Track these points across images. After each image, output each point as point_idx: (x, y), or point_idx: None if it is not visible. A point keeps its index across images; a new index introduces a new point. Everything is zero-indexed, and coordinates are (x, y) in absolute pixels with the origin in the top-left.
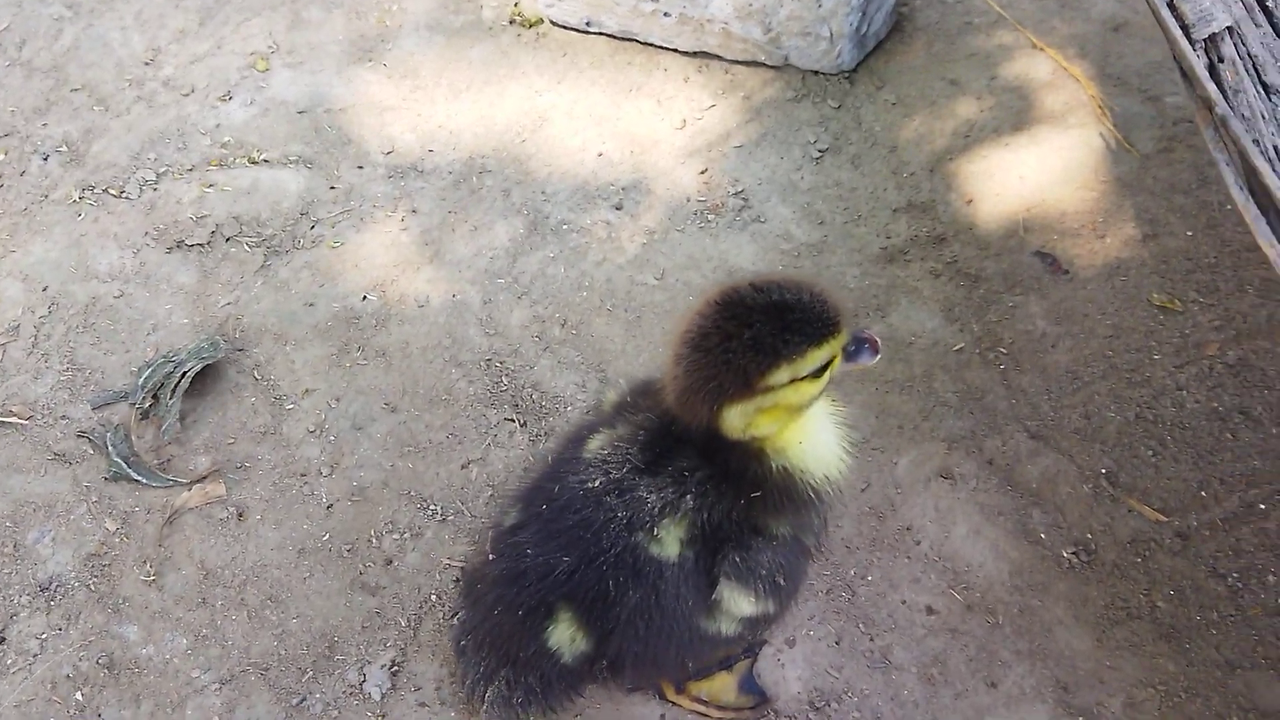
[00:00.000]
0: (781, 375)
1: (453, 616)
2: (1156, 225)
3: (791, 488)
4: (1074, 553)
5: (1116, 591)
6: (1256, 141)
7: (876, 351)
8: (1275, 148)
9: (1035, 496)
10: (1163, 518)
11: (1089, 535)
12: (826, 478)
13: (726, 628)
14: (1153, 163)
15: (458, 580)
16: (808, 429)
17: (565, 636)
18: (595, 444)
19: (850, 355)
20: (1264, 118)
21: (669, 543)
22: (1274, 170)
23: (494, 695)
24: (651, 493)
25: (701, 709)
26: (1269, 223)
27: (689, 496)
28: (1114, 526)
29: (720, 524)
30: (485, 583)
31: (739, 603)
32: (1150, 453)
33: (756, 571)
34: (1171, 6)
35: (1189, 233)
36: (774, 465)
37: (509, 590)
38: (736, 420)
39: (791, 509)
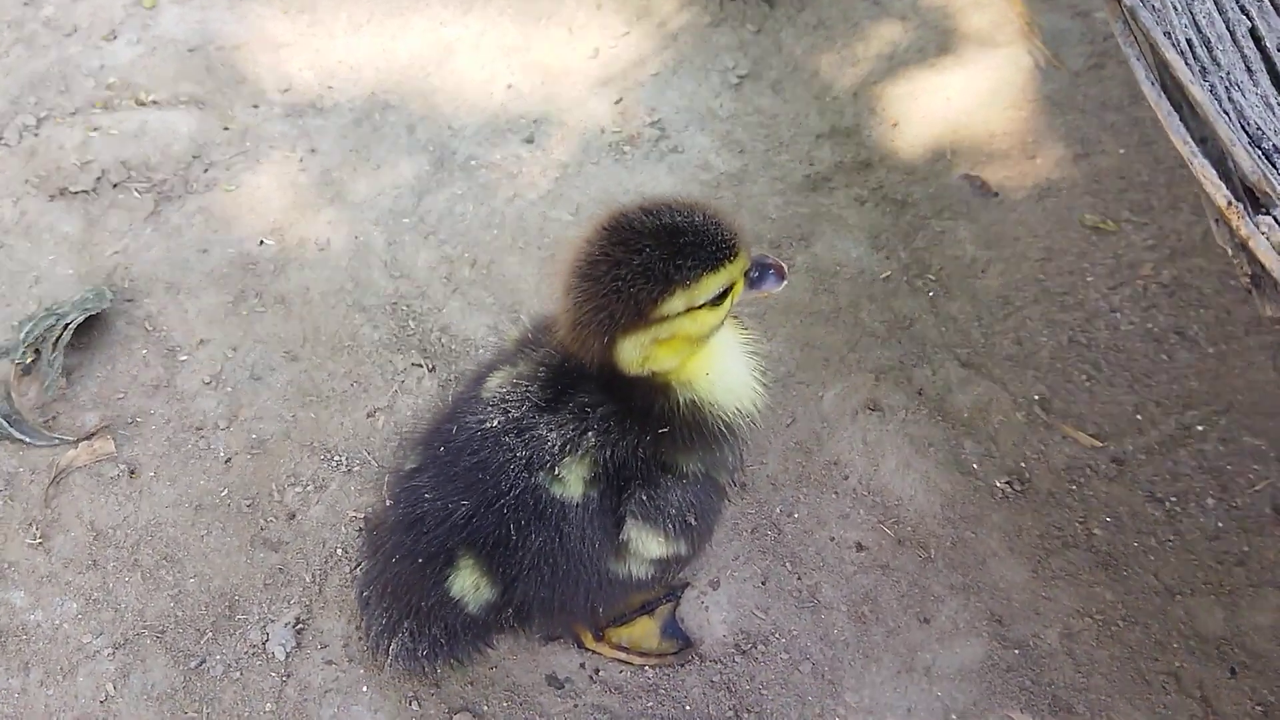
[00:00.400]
0: (676, 303)
1: (356, 568)
2: (1088, 144)
3: (701, 422)
4: (1008, 482)
5: (1052, 521)
6: (1168, 34)
7: (782, 278)
8: (1188, 40)
9: (967, 426)
10: (1098, 443)
11: (1022, 464)
12: (738, 410)
13: (637, 570)
14: (1083, 80)
15: (361, 531)
16: (715, 360)
17: (468, 584)
18: (494, 382)
19: (754, 282)
20: (1175, 9)
21: (572, 483)
22: (1186, 64)
23: (398, 648)
24: (552, 431)
25: (623, 656)
26: (1181, 119)
27: (591, 433)
28: (1048, 454)
29: (625, 461)
30: (384, 531)
31: (648, 544)
32: (1084, 377)
33: (665, 510)
34: None
35: (1121, 151)
36: (681, 399)
37: (407, 537)
38: (632, 353)
39: (702, 445)
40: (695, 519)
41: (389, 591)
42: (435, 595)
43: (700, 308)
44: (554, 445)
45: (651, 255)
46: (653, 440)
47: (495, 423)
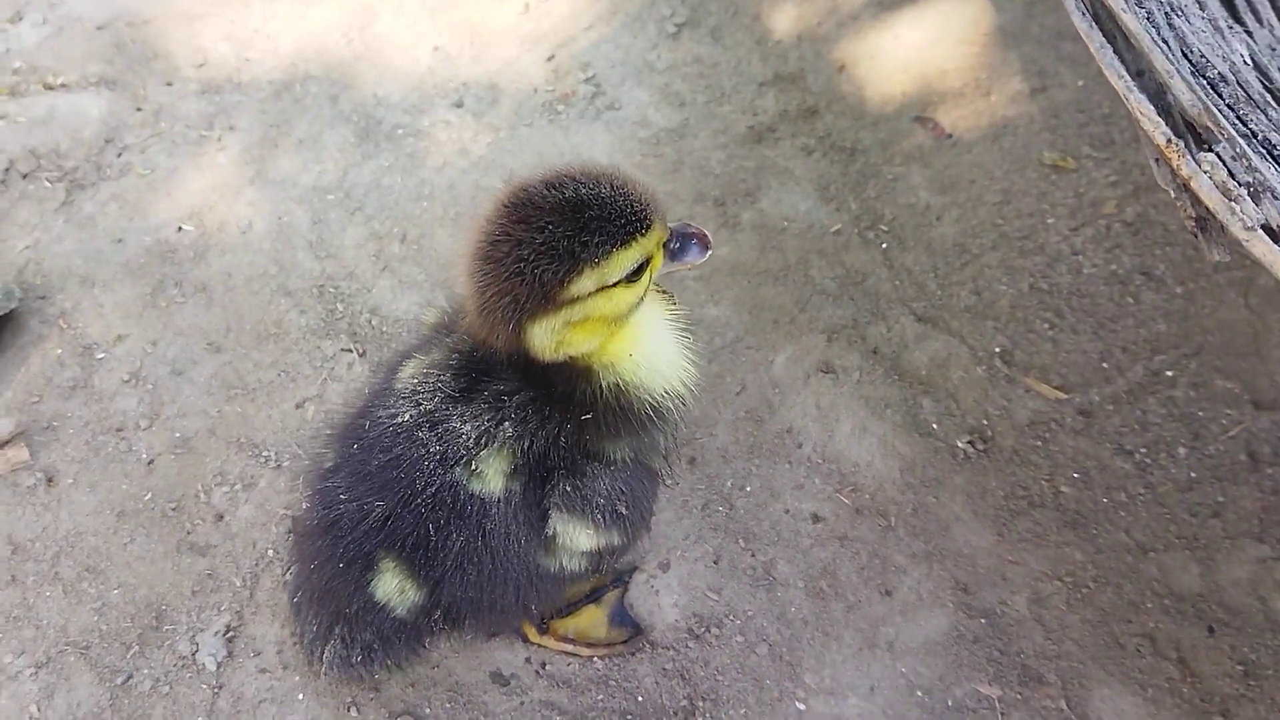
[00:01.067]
0: (586, 283)
1: (286, 572)
2: (1045, 77)
3: (627, 406)
4: (969, 442)
5: (1017, 480)
6: None
7: (707, 248)
8: None
9: (925, 384)
10: (1063, 395)
11: (985, 422)
12: (667, 392)
13: (569, 563)
14: (1037, 8)
15: (290, 532)
16: (638, 339)
17: (392, 588)
18: (406, 372)
19: (674, 254)
20: None
21: (491, 477)
22: None
23: (331, 655)
24: (466, 423)
25: (569, 648)
26: (1115, 51)
27: (507, 424)
28: (1011, 410)
29: (547, 451)
30: (305, 534)
31: (576, 536)
32: (1047, 325)
33: (593, 501)
34: None
35: (1080, 83)
36: (604, 383)
37: (325, 541)
38: (544, 338)
39: (629, 430)
40: (626, 507)
41: (316, 597)
42: (360, 600)
43: (614, 286)
44: (469, 438)
45: (555, 233)
46: (575, 428)
47: (407, 416)
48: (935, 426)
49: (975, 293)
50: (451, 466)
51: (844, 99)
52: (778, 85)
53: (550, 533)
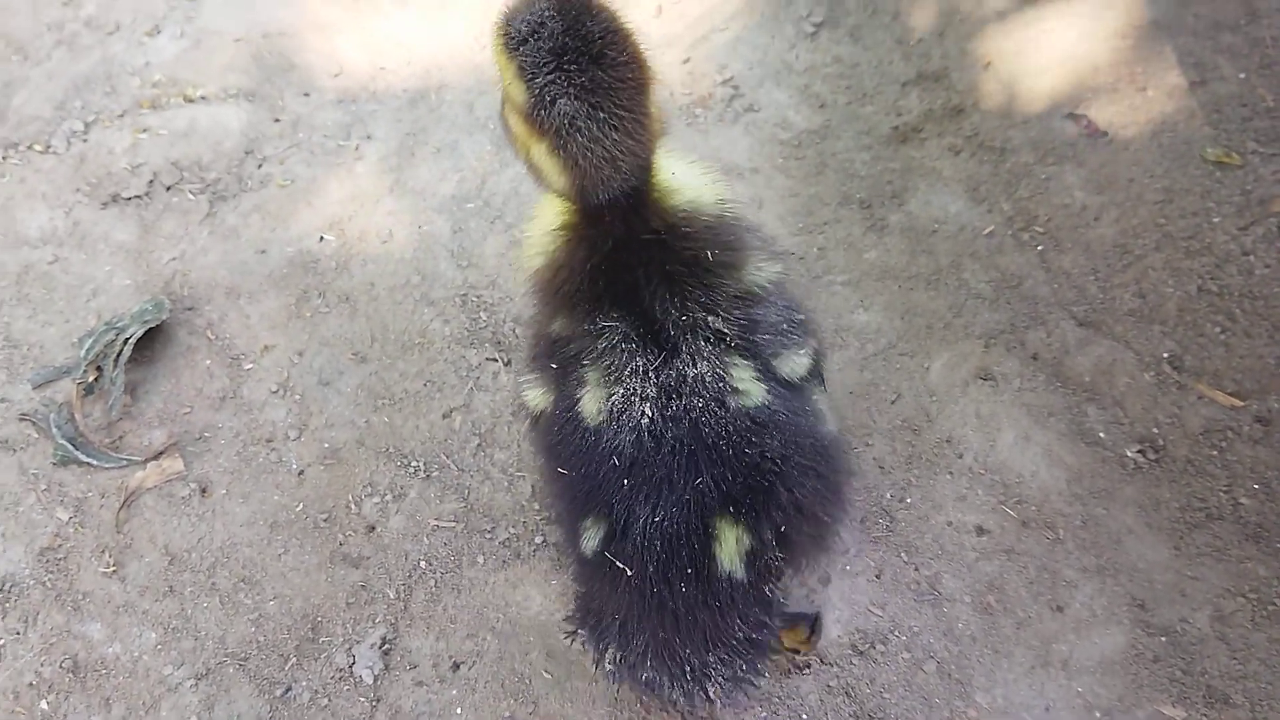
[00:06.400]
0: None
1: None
2: (1204, 70)
3: (706, 225)
4: (1140, 451)
5: (1192, 491)
6: None
7: None
8: None
9: (1090, 391)
10: (1238, 402)
11: (1155, 430)
12: (719, 200)
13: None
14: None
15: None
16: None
17: (731, 547)
18: (593, 398)
19: None
20: None
21: (749, 385)
22: None
23: (722, 679)
24: (690, 363)
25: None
26: None
27: (708, 320)
28: (1183, 417)
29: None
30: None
31: (797, 361)
32: (1218, 329)
33: (779, 328)
34: None
35: (1241, 75)
36: (674, 207)
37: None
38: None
39: (732, 246)
40: (800, 313)
41: (683, 633)
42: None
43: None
44: (709, 368)
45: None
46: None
47: (645, 408)
48: (1102, 435)
49: (1139, 295)
50: (725, 402)
51: (991, 97)
52: (921, 84)
53: (790, 375)
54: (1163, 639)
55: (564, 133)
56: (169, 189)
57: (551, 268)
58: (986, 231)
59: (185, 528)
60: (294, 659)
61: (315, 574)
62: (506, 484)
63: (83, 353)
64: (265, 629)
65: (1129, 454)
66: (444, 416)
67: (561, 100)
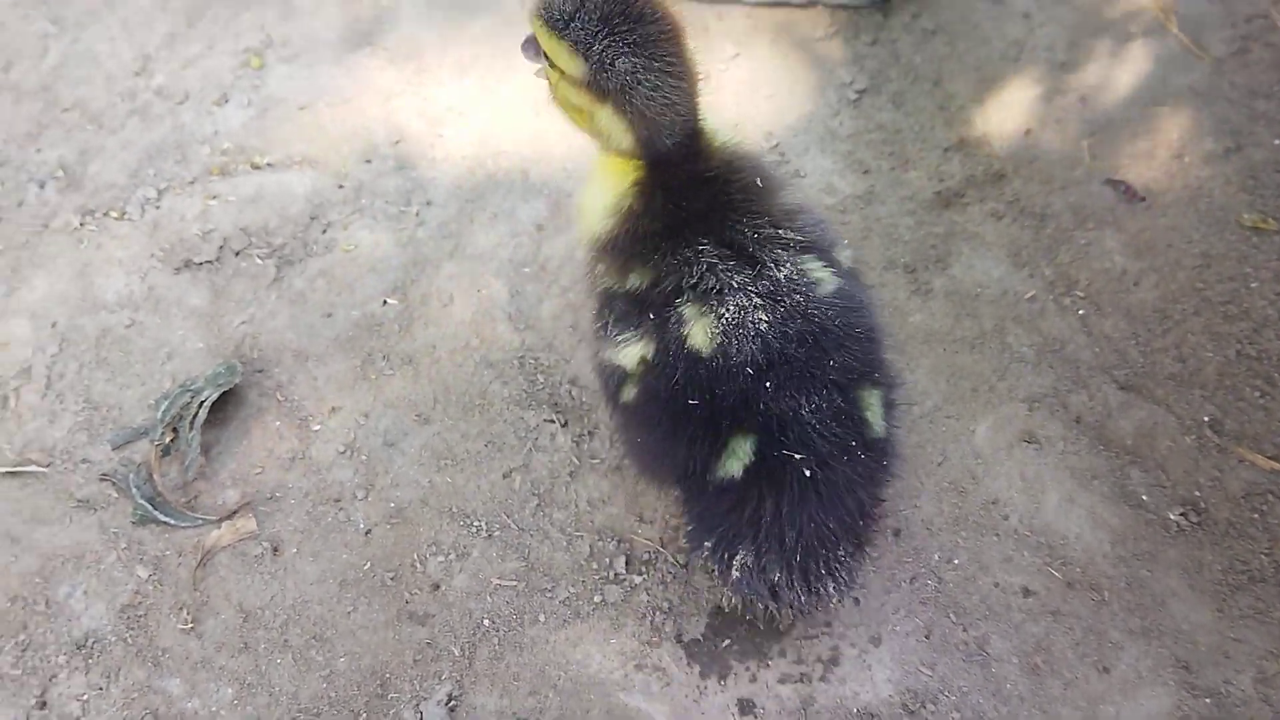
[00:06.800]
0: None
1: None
2: (1239, 137)
3: (748, 157)
4: (1182, 514)
5: (1234, 553)
6: None
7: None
8: None
9: (1132, 454)
10: (1278, 466)
11: (1197, 493)
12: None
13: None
14: (1227, 67)
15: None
16: None
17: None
18: (701, 325)
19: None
20: None
21: (823, 275)
22: None
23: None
24: (777, 266)
25: None
26: None
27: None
28: (1224, 480)
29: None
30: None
31: (844, 253)
32: (1257, 394)
33: (822, 229)
34: None
35: (1276, 142)
36: (723, 146)
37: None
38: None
39: (770, 173)
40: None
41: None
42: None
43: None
44: (796, 265)
45: None
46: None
47: (764, 319)
48: (1145, 498)
49: (1179, 359)
50: (815, 292)
51: (1031, 163)
52: (963, 150)
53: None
54: (1207, 700)
55: (628, 89)
56: (238, 254)
57: (627, 220)
58: (1029, 296)
59: (259, 585)
60: (364, 715)
61: (383, 631)
62: (565, 543)
63: (159, 414)
64: (336, 685)
65: (1172, 516)
66: (504, 476)
67: (620, 59)
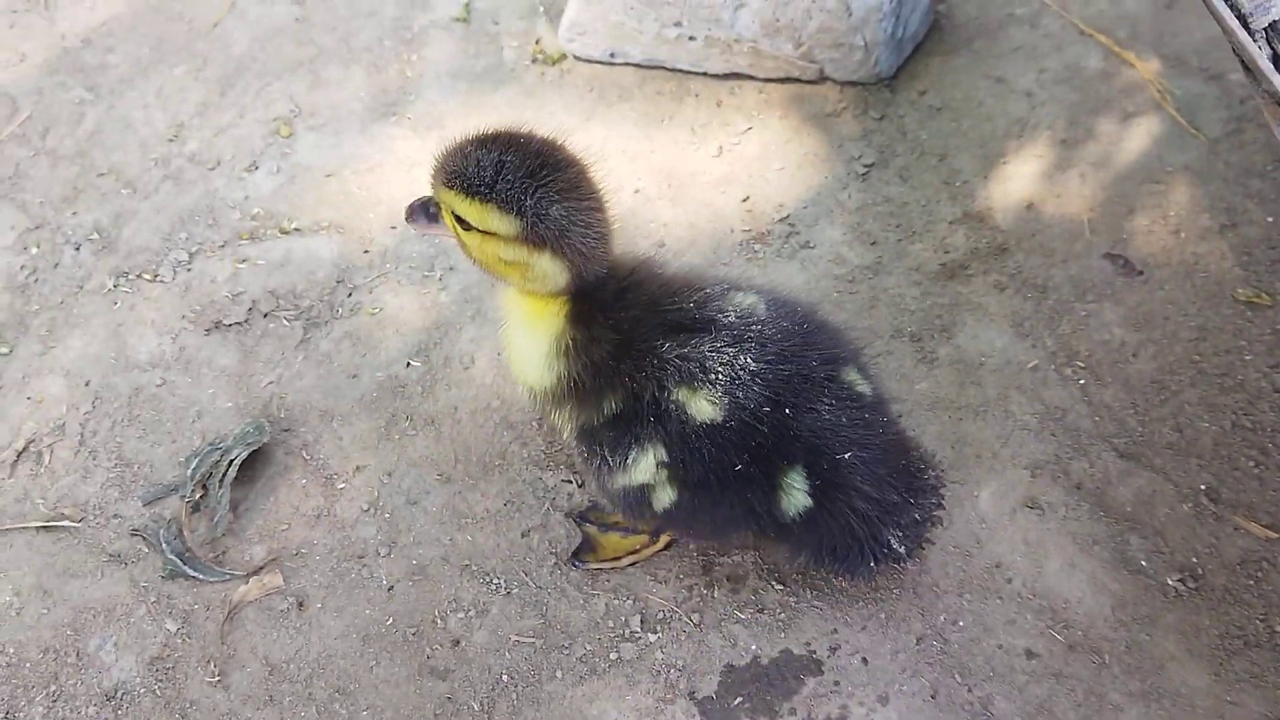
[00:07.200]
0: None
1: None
2: (1234, 214)
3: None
4: (1180, 580)
5: (1231, 619)
6: None
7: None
8: None
9: (1131, 521)
10: (1273, 534)
11: (1194, 559)
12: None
13: None
14: (1222, 146)
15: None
16: None
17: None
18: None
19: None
20: None
21: (753, 301)
22: None
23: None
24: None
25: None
26: None
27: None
28: (1220, 548)
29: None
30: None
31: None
32: (1252, 464)
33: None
34: None
35: (1269, 219)
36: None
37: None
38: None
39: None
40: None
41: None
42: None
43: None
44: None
45: None
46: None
47: (749, 363)
48: (1144, 563)
49: (1177, 429)
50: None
51: (1034, 236)
52: (967, 223)
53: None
54: None
55: (565, 233)
56: (266, 316)
57: (577, 357)
58: (1031, 365)
59: (284, 640)
60: None
61: (405, 686)
62: (582, 602)
63: (189, 472)
64: None
65: (1170, 582)
66: (523, 535)
67: (554, 208)
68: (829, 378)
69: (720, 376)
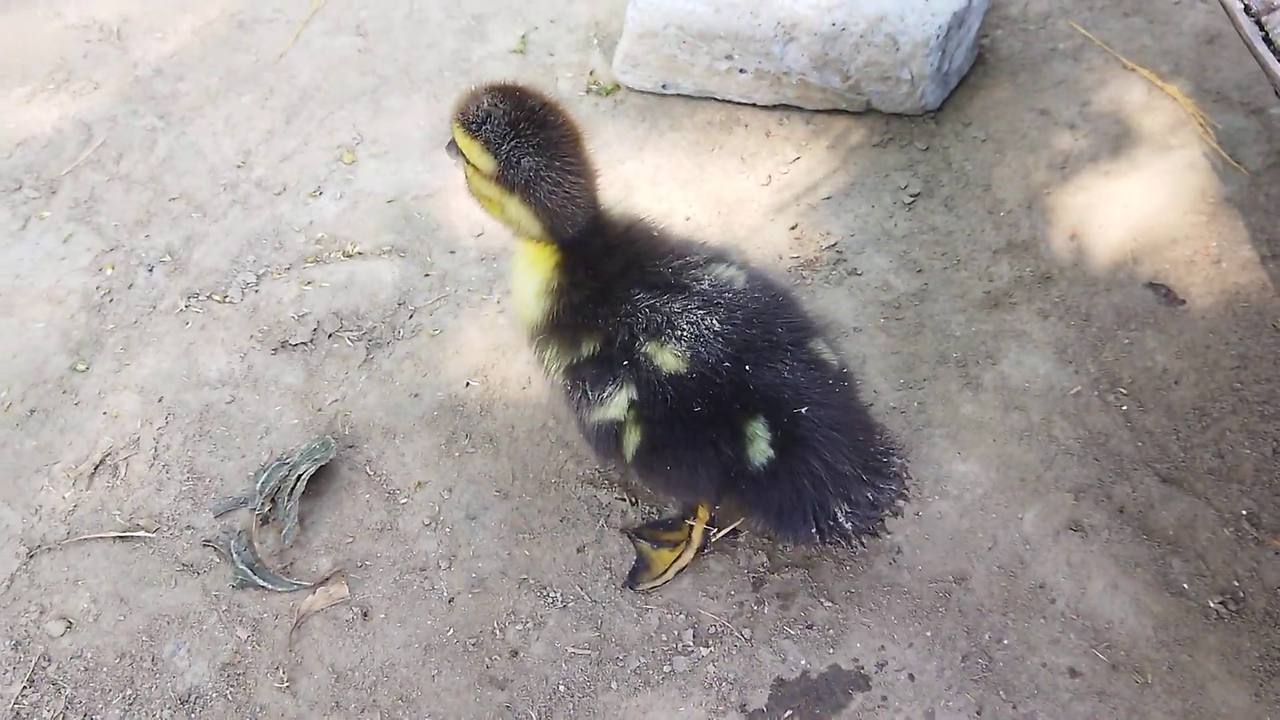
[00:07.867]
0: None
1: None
2: (1274, 245)
3: (640, 220)
4: (1221, 602)
5: (1271, 641)
6: None
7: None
8: None
9: (1173, 544)
10: None
11: (1235, 582)
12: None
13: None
14: (1263, 179)
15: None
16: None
17: None
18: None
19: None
20: None
21: (735, 274)
22: None
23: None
24: (698, 281)
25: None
26: None
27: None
28: (1261, 571)
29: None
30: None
31: (728, 272)
32: None
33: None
34: (1260, 26)
35: None
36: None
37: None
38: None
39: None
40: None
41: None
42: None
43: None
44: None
45: None
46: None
47: (716, 323)
48: (1186, 586)
49: (1218, 455)
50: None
51: (1077, 266)
52: (1011, 252)
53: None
54: None
55: (531, 184)
56: (330, 336)
57: (560, 297)
58: (1074, 391)
59: (349, 648)
60: None
61: (465, 694)
62: (636, 616)
63: (258, 485)
64: None
65: (1211, 604)
66: (578, 550)
67: (525, 159)
68: (794, 344)
69: (685, 334)
